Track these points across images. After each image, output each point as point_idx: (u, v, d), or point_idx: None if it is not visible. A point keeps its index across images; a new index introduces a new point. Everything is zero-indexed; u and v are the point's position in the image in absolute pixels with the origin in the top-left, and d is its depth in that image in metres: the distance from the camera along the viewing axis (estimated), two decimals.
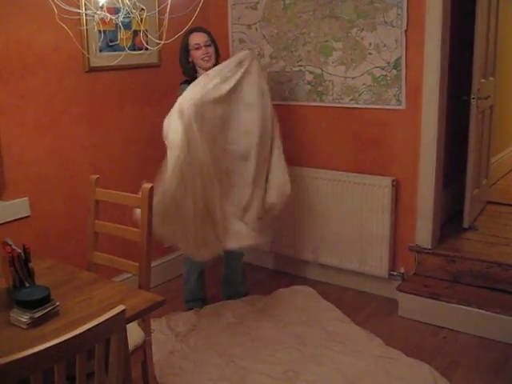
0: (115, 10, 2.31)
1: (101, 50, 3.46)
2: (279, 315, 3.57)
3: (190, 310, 3.64)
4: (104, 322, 1.50)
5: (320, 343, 3.23)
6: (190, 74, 3.41)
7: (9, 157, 3.14)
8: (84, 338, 1.46)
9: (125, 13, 2.05)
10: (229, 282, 3.79)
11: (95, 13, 2.01)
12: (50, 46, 3.25)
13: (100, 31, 3.36)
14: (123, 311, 1.56)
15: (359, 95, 3.73)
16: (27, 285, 2.06)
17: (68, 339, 1.42)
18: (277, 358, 3.09)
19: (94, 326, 1.47)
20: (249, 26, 4.11)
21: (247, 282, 3.89)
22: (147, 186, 2.44)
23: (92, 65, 3.44)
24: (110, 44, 3.43)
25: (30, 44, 3.16)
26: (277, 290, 3.89)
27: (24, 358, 1.36)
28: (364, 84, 3.69)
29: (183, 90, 3.27)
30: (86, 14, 2.34)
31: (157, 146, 4.02)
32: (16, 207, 3.19)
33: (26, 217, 3.24)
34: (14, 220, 3.18)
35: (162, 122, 4.01)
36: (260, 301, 3.76)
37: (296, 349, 3.18)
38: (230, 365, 3.04)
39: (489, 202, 4.65)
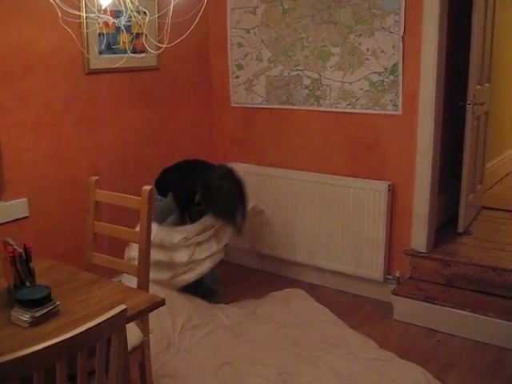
0: (116, 13, 2.34)
1: (101, 53, 3.49)
2: (272, 318, 3.58)
3: None
4: (106, 320, 1.52)
5: (314, 346, 3.25)
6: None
7: (8, 157, 3.17)
8: (86, 337, 1.48)
9: (127, 16, 2.07)
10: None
11: (99, 16, 2.04)
12: (50, 48, 3.27)
13: (101, 34, 3.38)
14: (124, 310, 1.58)
15: (356, 100, 3.77)
16: (28, 284, 2.08)
17: (70, 337, 1.44)
18: (271, 360, 3.10)
19: (96, 325, 1.49)
20: (247, 31, 4.14)
21: (218, 283, 3.88)
22: (147, 187, 2.46)
23: (92, 67, 3.47)
24: (112, 47, 3.46)
25: (31, 45, 3.18)
26: (269, 293, 3.90)
27: (27, 355, 1.37)
28: (361, 89, 3.73)
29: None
30: (88, 17, 2.36)
31: (155, 148, 4.06)
32: (15, 208, 3.20)
33: (24, 217, 3.25)
34: (13, 220, 3.20)
35: (160, 124, 4.06)
36: (252, 303, 3.77)
37: (290, 351, 3.20)
38: (224, 367, 3.05)
39: (484, 207, 4.69)
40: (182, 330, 3.34)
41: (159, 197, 3.50)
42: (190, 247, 3.43)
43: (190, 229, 3.49)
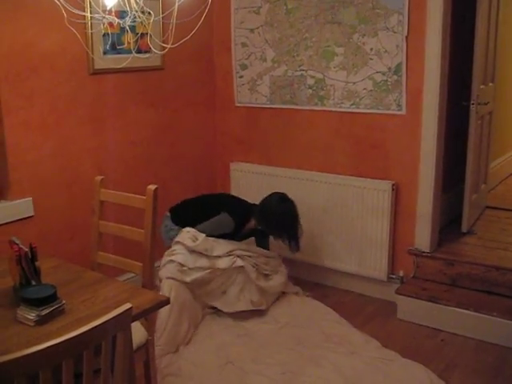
0: (120, 14, 2.35)
1: (105, 53, 3.51)
2: (275, 317, 3.58)
3: None
4: (111, 319, 1.53)
5: (317, 345, 3.25)
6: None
7: (14, 157, 3.18)
8: (92, 335, 1.49)
9: (132, 17, 2.08)
10: None
11: (104, 17, 2.05)
12: (55, 48, 3.29)
13: (105, 34, 3.40)
14: (130, 309, 1.59)
15: (360, 100, 3.77)
16: (34, 283, 2.09)
17: (76, 336, 1.45)
18: (275, 360, 3.10)
19: (101, 323, 1.50)
20: (251, 30, 4.15)
21: None
22: (151, 187, 2.47)
23: (97, 67, 3.48)
24: (117, 47, 3.47)
25: (36, 46, 3.19)
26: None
27: (33, 353, 1.38)
28: (365, 89, 3.73)
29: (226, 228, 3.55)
30: (93, 18, 2.38)
31: (160, 147, 4.07)
32: (20, 207, 3.22)
33: (29, 217, 3.27)
34: (18, 220, 3.21)
35: (165, 123, 4.07)
36: None
37: (294, 350, 3.20)
38: (228, 366, 3.06)
39: (487, 207, 4.69)
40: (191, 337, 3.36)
41: (175, 226, 3.57)
42: (231, 258, 3.52)
43: (234, 245, 3.58)
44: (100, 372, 1.62)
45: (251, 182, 4.19)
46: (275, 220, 3.55)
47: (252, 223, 3.65)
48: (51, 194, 3.38)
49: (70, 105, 3.42)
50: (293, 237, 3.61)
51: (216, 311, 3.60)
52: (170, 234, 3.55)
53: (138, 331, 2.39)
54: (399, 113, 3.64)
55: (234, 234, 3.62)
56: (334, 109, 3.90)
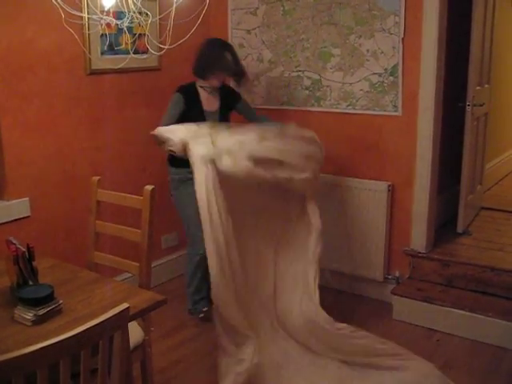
0: (118, 15, 2.36)
1: (103, 53, 3.51)
2: None
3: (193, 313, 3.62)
4: (108, 319, 1.54)
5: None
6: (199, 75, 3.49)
7: (10, 157, 3.18)
8: (89, 335, 1.50)
9: (129, 18, 2.09)
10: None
11: (101, 17, 2.06)
12: (53, 49, 3.29)
13: (103, 35, 3.40)
14: (127, 309, 1.60)
15: (356, 101, 3.78)
16: (31, 283, 2.10)
17: (74, 335, 1.46)
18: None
19: (99, 323, 1.51)
20: (248, 31, 4.16)
21: None
22: (148, 187, 2.48)
23: (94, 67, 3.49)
24: (114, 48, 3.48)
25: (33, 46, 3.19)
26: None
27: (31, 353, 1.39)
28: (361, 90, 3.75)
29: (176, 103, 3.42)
30: (90, 18, 2.38)
31: (156, 148, 4.06)
32: (16, 207, 3.22)
33: (26, 217, 3.27)
34: (15, 220, 3.21)
35: (161, 124, 4.05)
36: None
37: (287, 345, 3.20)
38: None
39: (483, 208, 4.71)
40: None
41: None
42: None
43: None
44: (97, 372, 1.63)
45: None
46: (218, 62, 3.45)
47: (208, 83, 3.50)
48: (48, 194, 3.39)
49: (67, 105, 3.43)
50: (239, 73, 3.54)
51: None
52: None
53: (134, 331, 2.40)
54: (395, 114, 3.66)
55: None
56: (330, 110, 3.91)
